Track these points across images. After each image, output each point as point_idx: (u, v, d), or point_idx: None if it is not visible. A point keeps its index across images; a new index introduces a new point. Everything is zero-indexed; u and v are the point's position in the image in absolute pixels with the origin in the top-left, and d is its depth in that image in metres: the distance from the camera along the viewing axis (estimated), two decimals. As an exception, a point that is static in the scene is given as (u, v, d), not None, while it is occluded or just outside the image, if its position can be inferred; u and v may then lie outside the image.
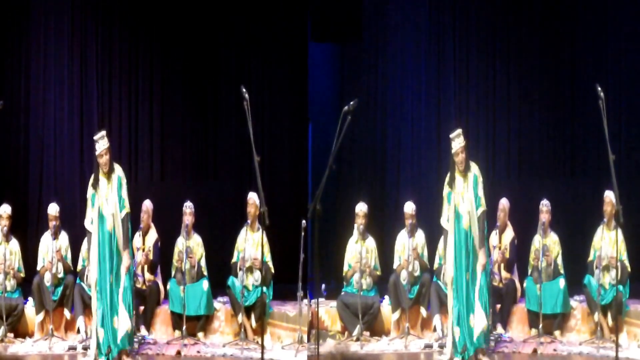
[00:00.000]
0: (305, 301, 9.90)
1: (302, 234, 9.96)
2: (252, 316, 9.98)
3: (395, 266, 10.33)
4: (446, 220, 9.20)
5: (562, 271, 10.17)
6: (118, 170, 9.19)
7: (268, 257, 10.11)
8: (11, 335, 10.00)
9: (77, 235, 10.35)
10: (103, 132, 9.19)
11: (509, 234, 10.34)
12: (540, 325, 9.82)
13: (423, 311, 10.17)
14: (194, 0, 12.22)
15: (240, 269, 10.03)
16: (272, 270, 10.17)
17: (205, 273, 10.28)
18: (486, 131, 12.15)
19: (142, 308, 10.15)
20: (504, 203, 10.33)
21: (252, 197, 10.14)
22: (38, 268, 10.20)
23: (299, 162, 12.26)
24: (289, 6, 12.23)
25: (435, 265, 10.29)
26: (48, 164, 12.17)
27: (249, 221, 10.18)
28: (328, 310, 10.36)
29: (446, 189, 9.23)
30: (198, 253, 10.25)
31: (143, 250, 10.26)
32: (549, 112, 12.23)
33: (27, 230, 11.80)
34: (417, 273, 10.20)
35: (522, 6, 12.29)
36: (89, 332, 9.68)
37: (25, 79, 12.20)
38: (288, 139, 12.39)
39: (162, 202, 11.04)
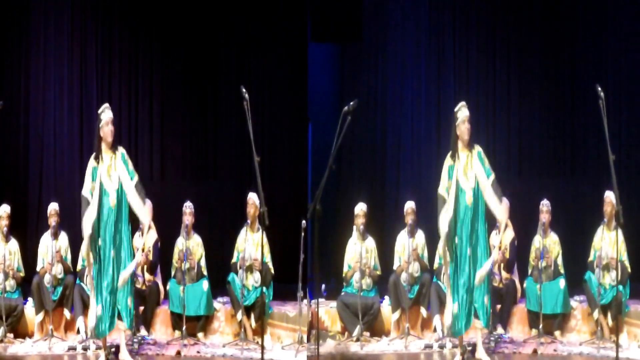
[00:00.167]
0: (305, 301, 9.90)
1: (302, 234, 9.96)
2: (252, 316, 9.98)
3: (395, 267, 10.32)
4: (445, 189, 9.01)
5: (562, 271, 10.17)
6: (120, 148, 9.11)
7: (268, 258, 10.11)
8: (11, 335, 9.99)
9: (77, 236, 10.33)
10: (106, 104, 9.14)
11: (509, 234, 10.34)
12: (541, 326, 9.82)
13: (423, 311, 10.17)
14: (194, 0, 12.22)
15: (240, 268, 10.03)
16: (272, 271, 10.17)
17: (205, 273, 10.28)
18: (486, 131, 12.13)
19: (141, 308, 10.14)
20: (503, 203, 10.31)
21: (252, 198, 10.14)
22: (38, 269, 10.20)
23: (299, 162, 12.26)
24: (289, 6, 12.23)
25: (435, 266, 10.29)
26: (48, 164, 12.16)
27: (248, 221, 10.18)
28: (328, 311, 10.36)
29: (448, 162, 8.99)
30: (198, 253, 10.25)
31: (143, 250, 10.25)
32: (549, 111, 12.23)
33: (26, 230, 11.80)
34: (417, 274, 10.19)
35: (522, 6, 12.29)
36: (88, 332, 9.67)
37: (25, 79, 12.19)
38: (288, 139, 12.39)
39: (162, 202, 11.01)
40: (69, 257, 10.28)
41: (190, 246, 10.17)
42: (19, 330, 10.14)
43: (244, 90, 7.95)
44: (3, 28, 12.16)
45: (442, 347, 9.72)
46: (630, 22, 12.05)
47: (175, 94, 12.31)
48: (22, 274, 10.24)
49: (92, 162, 8.98)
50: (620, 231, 8.56)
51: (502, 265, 10.24)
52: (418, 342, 9.93)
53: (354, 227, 10.44)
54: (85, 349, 9.61)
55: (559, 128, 12.25)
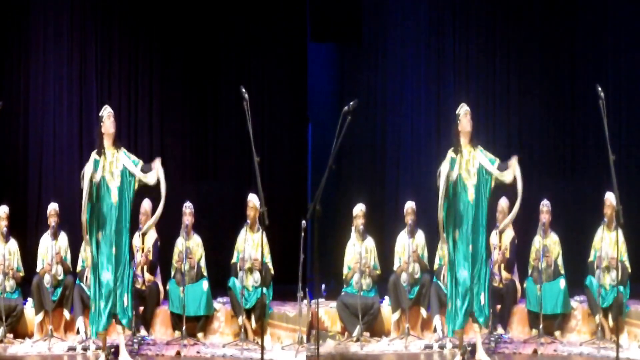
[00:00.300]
0: (305, 302, 9.89)
1: (302, 234, 9.95)
2: (252, 317, 9.97)
3: (395, 268, 10.31)
4: (446, 170, 8.85)
5: (562, 271, 10.16)
6: (122, 148, 9.12)
7: (268, 258, 10.11)
8: (10, 335, 9.98)
9: (77, 236, 10.34)
10: (106, 106, 9.14)
11: (509, 234, 10.33)
12: (541, 326, 9.81)
13: (423, 312, 10.16)
14: (194, 0, 12.21)
15: (240, 269, 10.03)
16: (272, 271, 10.16)
17: (205, 273, 10.27)
18: (486, 131, 12.13)
19: (141, 308, 10.13)
20: (503, 204, 10.32)
21: (252, 200, 10.12)
22: (37, 269, 10.19)
23: (298, 162, 12.26)
24: (289, 6, 12.23)
25: (435, 266, 10.29)
26: (47, 164, 12.16)
27: (248, 221, 10.17)
28: (328, 311, 10.35)
29: (451, 154, 8.92)
30: (198, 253, 10.24)
31: (142, 250, 10.25)
32: (549, 111, 12.23)
33: (26, 230, 11.79)
34: (417, 274, 10.18)
35: (522, 5, 12.29)
36: (88, 332, 9.66)
37: (24, 78, 12.18)
38: (288, 139, 12.39)
39: (162, 202, 11.01)
40: (69, 257, 10.27)
41: (190, 246, 10.16)
42: (19, 331, 10.13)
43: (243, 90, 7.94)
44: (3, 28, 12.15)
45: (442, 347, 9.71)
46: (630, 22, 12.05)
47: (175, 94, 12.31)
48: (21, 274, 10.23)
49: (94, 155, 8.94)
50: (620, 231, 8.56)
51: (502, 265, 10.23)
52: (418, 342, 9.92)
53: (353, 228, 10.42)
54: (85, 349, 9.61)
55: (559, 128, 12.24)
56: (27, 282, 10.31)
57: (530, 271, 10.19)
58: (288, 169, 12.36)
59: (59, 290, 10.06)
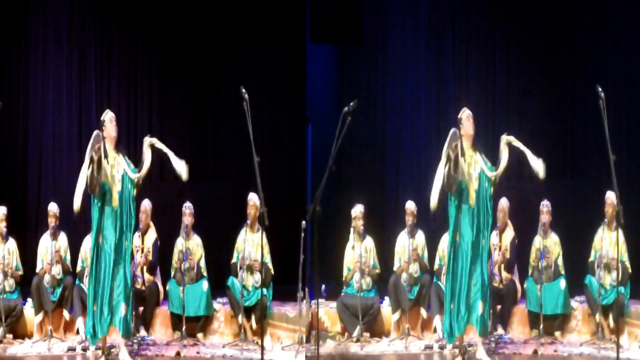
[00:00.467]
0: (305, 302, 9.88)
1: (302, 234, 9.94)
2: (252, 317, 9.97)
3: (395, 268, 10.31)
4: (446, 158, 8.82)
5: (562, 272, 10.15)
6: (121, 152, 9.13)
7: (268, 258, 10.10)
8: (10, 336, 9.97)
9: (76, 237, 10.34)
10: (107, 110, 9.17)
11: (509, 234, 10.33)
12: (541, 326, 9.81)
13: (423, 312, 10.15)
14: (194, 0, 12.21)
15: (240, 268, 10.02)
16: (272, 271, 10.16)
17: (205, 274, 10.26)
18: (486, 131, 12.11)
19: (141, 309, 10.13)
20: (503, 203, 10.31)
21: (253, 198, 10.12)
22: (37, 270, 10.18)
23: (298, 163, 12.25)
24: (289, 7, 12.23)
25: (436, 266, 10.28)
26: (47, 165, 12.14)
27: (248, 222, 10.17)
28: (328, 311, 10.34)
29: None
30: (197, 254, 10.24)
31: (142, 250, 10.24)
32: (549, 112, 12.22)
33: (26, 231, 11.77)
34: (417, 274, 10.18)
35: (522, 5, 12.29)
36: (88, 333, 9.66)
37: (24, 79, 12.17)
38: (287, 139, 12.38)
39: (162, 203, 11.01)
40: (69, 257, 10.26)
41: (190, 246, 10.15)
42: (18, 331, 10.12)
43: (243, 90, 7.94)
44: (3, 28, 12.14)
45: (442, 347, 9.70)
46: (630, 22, 12.04)
47: (175, 94, 12.30)
48: (20, 273, 10.22)
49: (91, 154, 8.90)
50: (620, 231, 8.55)
51: (502, 265, 10.22)
52: (418, 342, 9.91)
53: (352, 230, 10.40)
54: (84, 349, 9.60)
55: (559, 128, 12.24)
56: (26, 283, 10.30)
57: (530, 271, 10.19)
58: (288, 170, 12.35)
59: (59, 290, 10.05)
